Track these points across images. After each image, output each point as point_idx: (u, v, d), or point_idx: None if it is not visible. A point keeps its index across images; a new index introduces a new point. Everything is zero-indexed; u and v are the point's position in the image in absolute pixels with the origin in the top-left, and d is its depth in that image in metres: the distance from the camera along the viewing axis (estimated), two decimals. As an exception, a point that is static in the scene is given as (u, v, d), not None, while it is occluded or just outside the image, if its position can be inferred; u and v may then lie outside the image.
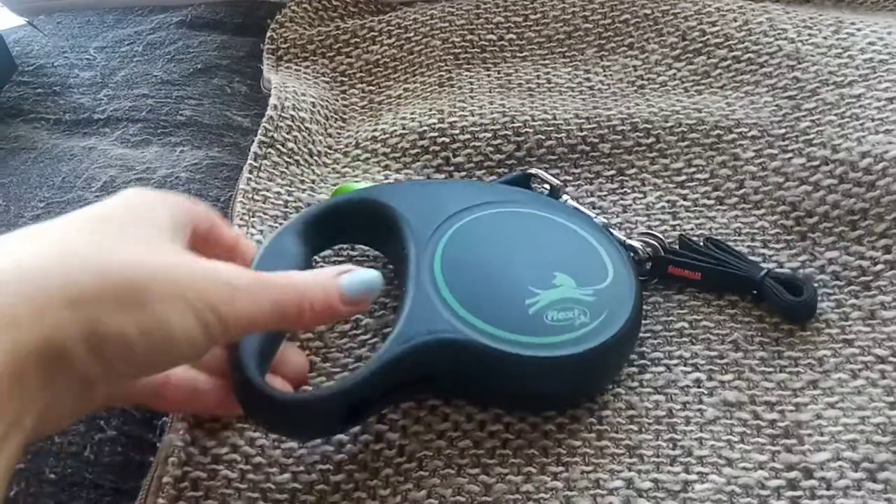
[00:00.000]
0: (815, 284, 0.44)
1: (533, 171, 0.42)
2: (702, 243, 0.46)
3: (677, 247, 0.46)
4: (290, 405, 0.34)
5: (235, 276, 0.30)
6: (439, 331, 0.36)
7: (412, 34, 0.62)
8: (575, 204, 0.46)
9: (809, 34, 0.53)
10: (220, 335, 0.29)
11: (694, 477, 0.37)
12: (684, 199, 0.49)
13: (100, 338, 0.25)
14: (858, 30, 0.52)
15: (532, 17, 0.61)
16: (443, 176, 0.52)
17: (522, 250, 0.39)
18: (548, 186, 0.46)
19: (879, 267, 0.44)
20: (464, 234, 0.40)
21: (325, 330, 0.43)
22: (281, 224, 0.48)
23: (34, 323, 0.23)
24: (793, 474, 0.37)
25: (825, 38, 0.53)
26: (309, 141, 0.54)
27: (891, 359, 0.40)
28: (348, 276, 0.33)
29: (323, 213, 0.42)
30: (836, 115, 0.48)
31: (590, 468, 0.37)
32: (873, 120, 0.47)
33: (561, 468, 0.37)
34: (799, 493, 0.36)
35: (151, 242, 0.29)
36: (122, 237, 0.28)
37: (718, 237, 0.46)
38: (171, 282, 0.27)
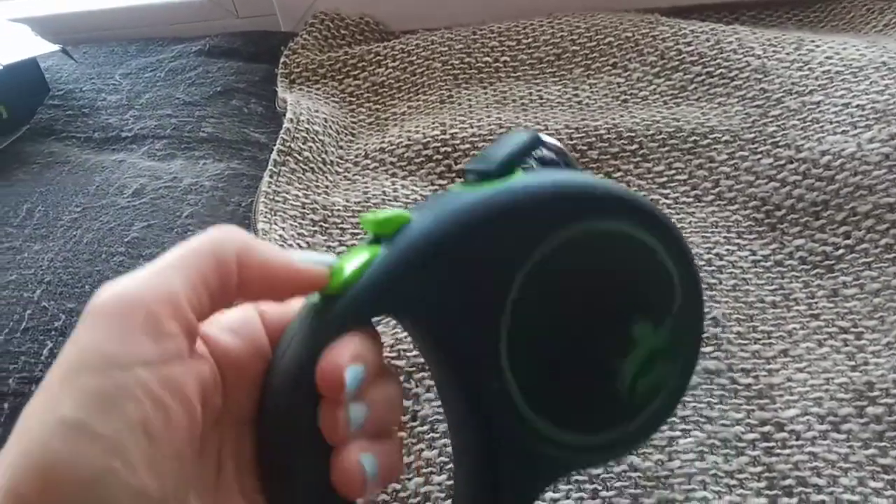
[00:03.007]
0: (784, 269, 0.49)
1: (540, 137, 0.30)
2: None
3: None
4: None
5: None
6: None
7: (415, 58, 0.67)
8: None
9: (774, 51, 0.59)
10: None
11: (678, 433, 0.41)
12: (665, 198, 0.54)
13: None
14: (817, 46, 0.58)
15: (524, 41, 0.67)
16: (445, 182, 0.57)
17: (592, 306, 0.29)
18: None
19: (841, 251, 0.48)
20: (524, 313, 0.27)
21: None
22: (300, 223, 0.53)
23: None
24: (766, 428, 0.41)
25: (788, 53, 0.58)
26: (322, 151, 0.59)
27: (852, 329, 0.45)
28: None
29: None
30: (798, 119, 0.54)
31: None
32: (831, 123, 0.52)
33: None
34: (772, 444, 0.40)
35: None
36: None
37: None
38: None
